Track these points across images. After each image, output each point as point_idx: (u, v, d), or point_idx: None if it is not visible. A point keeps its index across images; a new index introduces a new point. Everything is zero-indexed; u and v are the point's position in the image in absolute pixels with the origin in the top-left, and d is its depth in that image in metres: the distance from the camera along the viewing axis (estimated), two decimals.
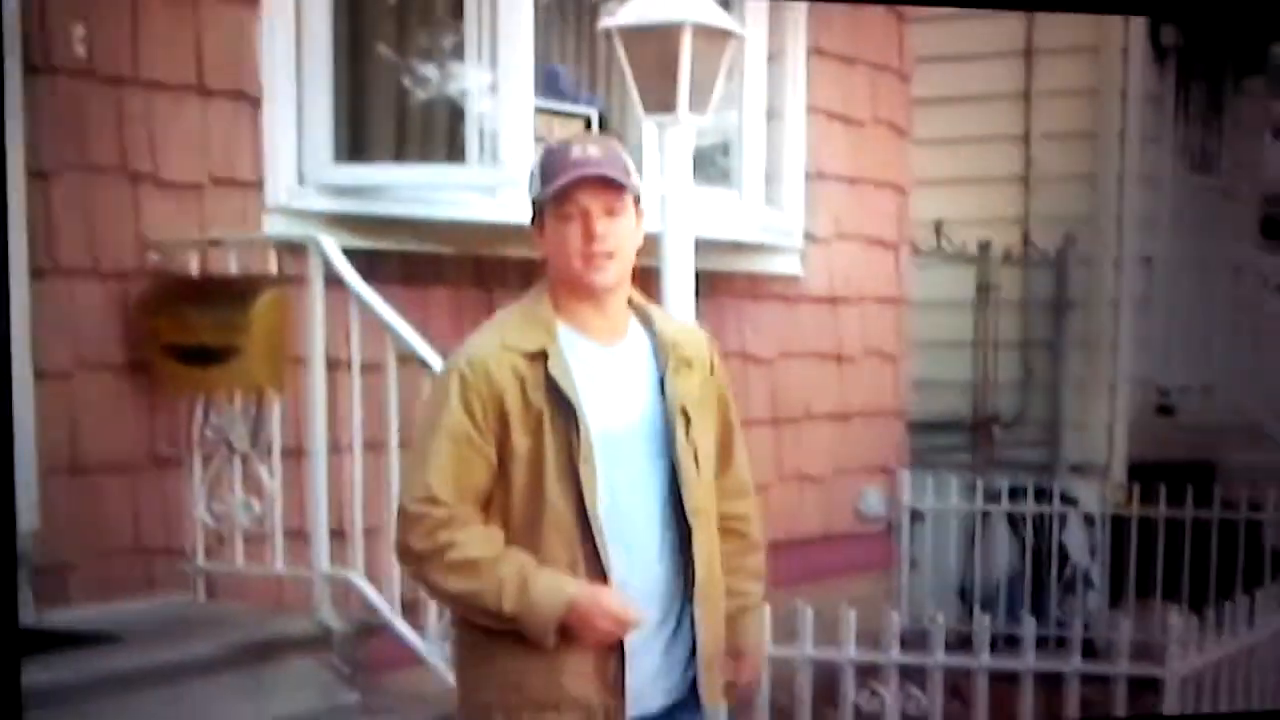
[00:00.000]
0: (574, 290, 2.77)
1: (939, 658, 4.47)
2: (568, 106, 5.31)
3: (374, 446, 4.24)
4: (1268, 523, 6.90)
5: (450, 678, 4.26)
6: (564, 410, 2.70)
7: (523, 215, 4.81)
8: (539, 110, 4.93)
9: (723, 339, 5.63)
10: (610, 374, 2.78)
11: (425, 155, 5.02)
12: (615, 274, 2.74)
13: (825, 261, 6.30)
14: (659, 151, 4.45)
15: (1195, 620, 4.48)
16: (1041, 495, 6.98)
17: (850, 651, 4.50)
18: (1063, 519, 7.09)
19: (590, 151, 2.75)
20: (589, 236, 2.70)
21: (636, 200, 2.79)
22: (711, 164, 5.75)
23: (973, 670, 4.49)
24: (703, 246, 4.56)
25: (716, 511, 2.88)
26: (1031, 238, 7.76)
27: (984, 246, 7.60)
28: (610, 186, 2.72)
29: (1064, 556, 7.10)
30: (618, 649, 2.69)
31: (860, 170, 6.44)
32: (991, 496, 6.96)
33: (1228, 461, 7.74)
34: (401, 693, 4.29)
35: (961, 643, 4.67)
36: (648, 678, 2.75)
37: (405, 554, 2.76)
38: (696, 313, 4.38)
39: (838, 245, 6.34)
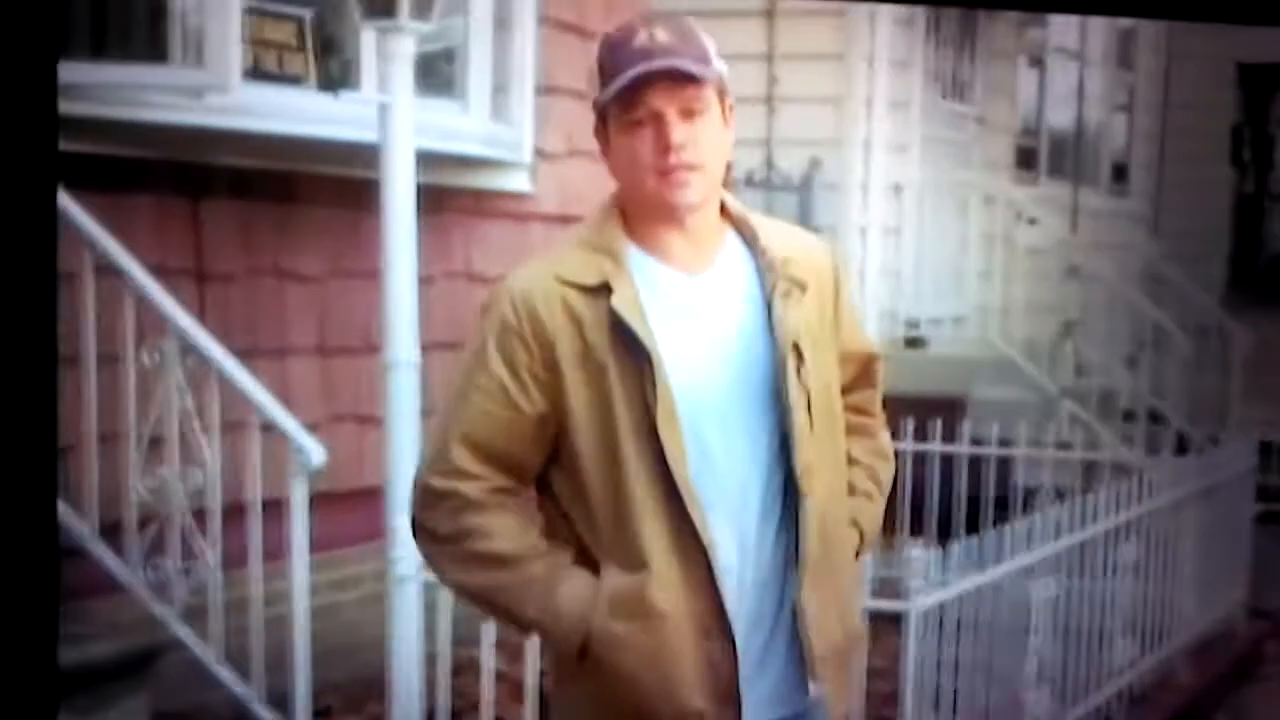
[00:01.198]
0: (649, 212, 2.48)
1: None
2: (279, 6, 5.39)
3: (71, 360, 4.37)
4: (1017, 459, 7.40)
5: (153, 604, 4.50)
6: (634, 356, 2.41)
7: (227, 119, 5.09)
8: (247, 10, 5.05)
9: (448, 258, 5.84)
10: (698, 308, 2.49)
11: (125, 54, 5.05)
12: (700, 190, 2.45)
13: (558, 179, 6.52)
14: (378, 60, 4.59)
15: (940, 554, 4.68)
16: None
17: None
18: None
19: (658, 37, 2.40)
20: (664, 147, 2.41)
21: (722, 94, 2.50)
22: (435, 73, 5.90)
23: None
24: (426, 161, 4.73)
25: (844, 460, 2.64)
26: (775, 160, 8.20)
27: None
28: (686, 80, 2.41)
29: None
30: (728, 649, 2.43)
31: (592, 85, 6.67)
32: None
33: (978, 395, 8.26)
34: (100, 620, 4.40)
35: None
36: (747, 683, 2.47)
37: (421, 534, 2.54)
38: (419, 230, 4.57)
39: (571, 162, 6.54)
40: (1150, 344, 9.66)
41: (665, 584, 2.41)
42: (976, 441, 7.33)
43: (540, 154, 6.46)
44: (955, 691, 4.76)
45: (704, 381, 2.44)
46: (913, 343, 8.88)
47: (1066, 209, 10.75)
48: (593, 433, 2.43)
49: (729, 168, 2.62)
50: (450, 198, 5.93)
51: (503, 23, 6.25)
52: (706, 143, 2.44)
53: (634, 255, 2.48)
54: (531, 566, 2.45)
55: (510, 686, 4.90)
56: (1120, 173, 12.52)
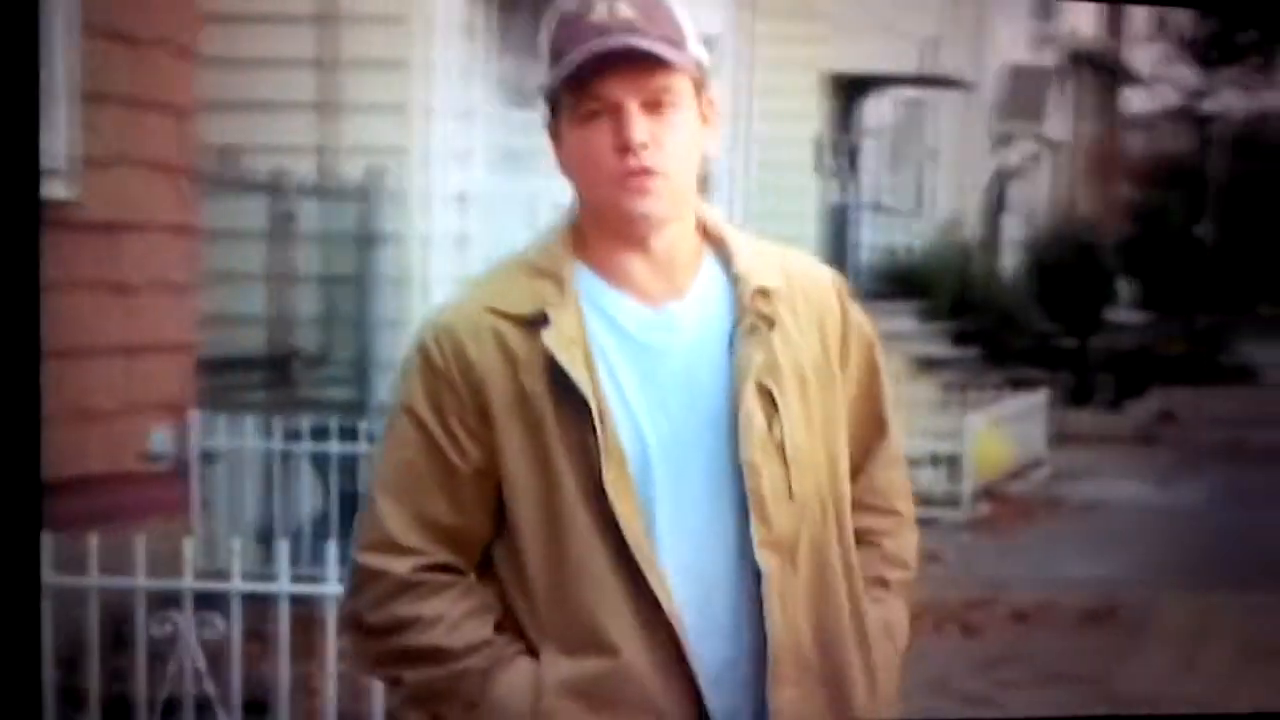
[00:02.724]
0: (606, 227, 2.29)
1: (238, 584, 5.05)
2: None
3: None
4: None
5: None
6: (573, 402, 2.22)
7: None
8: None
9: None
10: (661, 346, 2.29)
11: None
12: (666, 201, 2.25)
13: (101, 186, 6.87)
14: None
15: None
16: (349, 434, 7.65)
17: (142, 579, 5.03)
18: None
19: (619, 10, 2.20)
20: (622, 145, 2.21)
21: (700, 86, 2.29)
22: None
23: (274, 596, 5.11)
24: None
25: (851, 516, 2.41)
26: (335, 168, 8.74)
27: (279, 176, 8.44)
28: (652, 64, 2.20)
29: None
30: None
31: (139, 91, 7.09)
32: (293, 436, 7.60)
33: None
34: None
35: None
36: None
37: (353, 623, 2.35)
38: None
39: (115, 170, 6.93)
40: None
41: (636, 670, 2.23)
42: None
43: (86, 161, 6.79)
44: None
45: (663, 432, 2.26)
46: None
47: None
48: (532, 496, 2.25)
49: (703, 176, 2.38)
50: None
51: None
52: (676, 144, 2.25)
53: (586, 280, 2.30)
54: (470, 659, 2.26)
55: None
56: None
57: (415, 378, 2.28)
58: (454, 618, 2.27)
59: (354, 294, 8.92)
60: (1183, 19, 20.24)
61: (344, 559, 3.98)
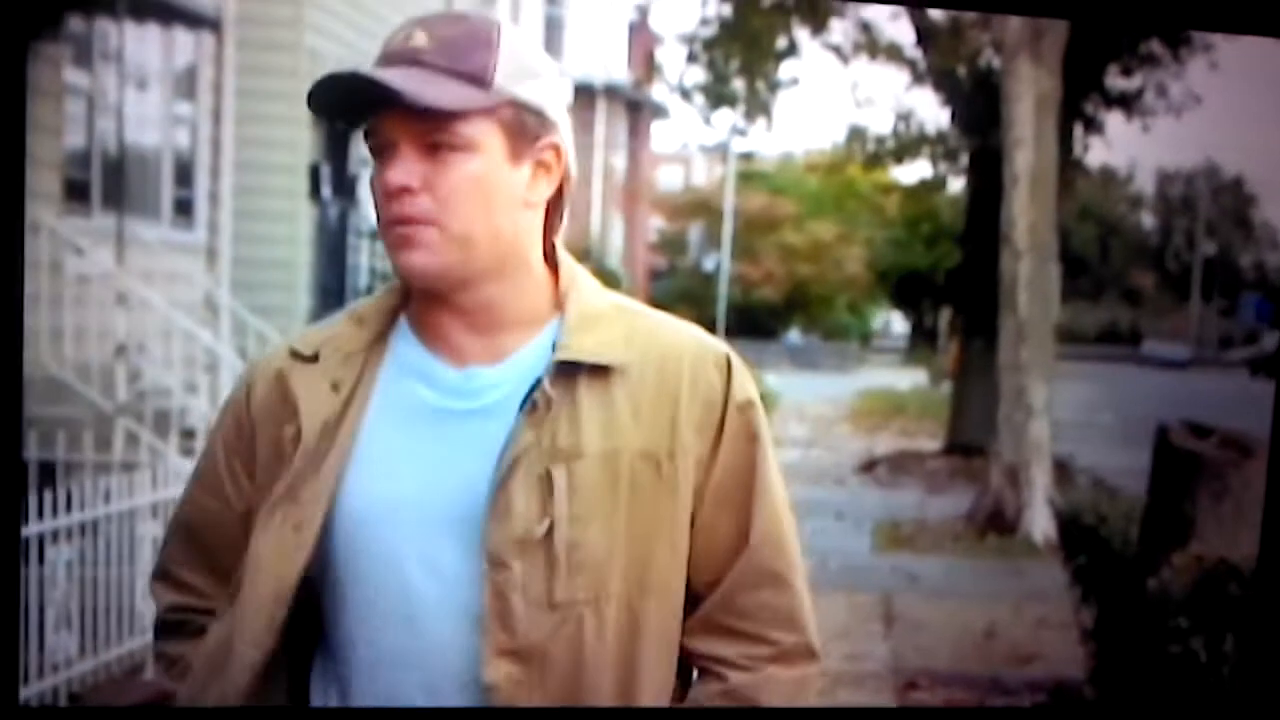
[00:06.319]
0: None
1: None
2: None
3: None
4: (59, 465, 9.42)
5: None
6: (309, 448, 2.20)
7: None
8: None
9: None
10: (453, 410, 2.21)
11: None
12: (439, 256, 2.14)
13: None
14: None
15: None
16: None
17: None
18: None
19: (416, 39, 2.13)
20: (386, 189, 2.13)
21: (518, 129, 2.18)
22: None
23: None
24: None
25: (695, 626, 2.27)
26: None
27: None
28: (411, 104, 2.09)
29: None
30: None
31: None
32: None
33: (36, 413, 10.13)
34: None
35: None
36: None
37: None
38: None
39: None
40: (207, 367, 12.07)
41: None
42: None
43: None
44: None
45: (426, 503, 2.17)
46: None
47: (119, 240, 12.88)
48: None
49: (550, 237, 2.28)
50: None
51: None
52: (457, 191, 2.12)
53: (402, 334, 2.27)
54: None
55: None
56: (184, 206, 14.75)
57: (220, 411, 2.33)
58: (186, 662, 2.34)
59: None
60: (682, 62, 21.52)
61: None
